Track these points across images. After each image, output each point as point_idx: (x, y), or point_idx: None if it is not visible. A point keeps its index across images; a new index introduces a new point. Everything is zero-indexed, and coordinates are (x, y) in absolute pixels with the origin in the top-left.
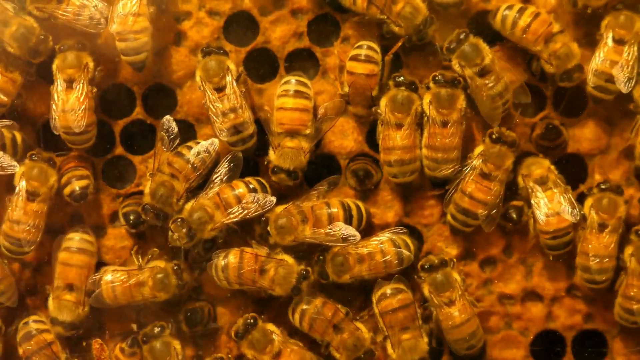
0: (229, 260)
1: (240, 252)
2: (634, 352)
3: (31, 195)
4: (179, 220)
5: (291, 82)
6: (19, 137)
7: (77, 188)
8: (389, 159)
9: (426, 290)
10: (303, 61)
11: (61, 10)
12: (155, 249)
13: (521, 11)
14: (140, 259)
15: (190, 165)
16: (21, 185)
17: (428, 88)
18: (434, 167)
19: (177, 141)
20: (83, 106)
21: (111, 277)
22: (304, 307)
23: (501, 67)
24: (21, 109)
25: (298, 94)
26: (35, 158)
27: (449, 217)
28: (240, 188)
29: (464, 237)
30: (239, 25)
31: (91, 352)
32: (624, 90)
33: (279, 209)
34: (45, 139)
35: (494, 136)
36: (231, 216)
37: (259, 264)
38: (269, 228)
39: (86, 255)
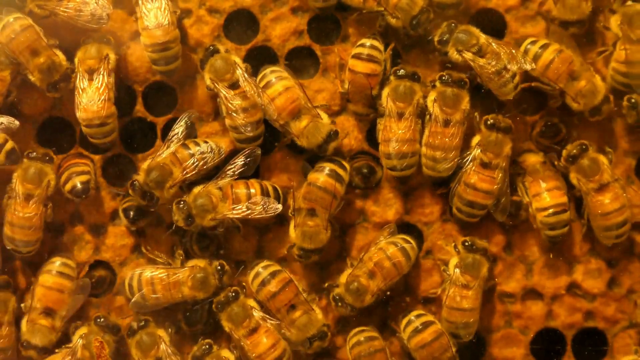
0: (275, 281)
1: (289, 280)
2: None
3: (26, 198)
4: (182, 202)
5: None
6: (9, 145)
7: (78, 183)
8: (388, 151)
9: (453, 263)
10: (303, 59)
11: (62, 7)
12: (180, 252)
13: (544, 47)
14: (161, 257)
15: (192, 160)
16: (17, 188)
17: (434, 86)
18: (432, 166)
19: (192, 137)
20: (103, 97)
21: (150, 275)
22: (361, 340)
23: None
24: (21, 107)
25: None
26: (33, 156)
27: (454, 209)
28: (254, 189)
29: (464, 235)
30: (239, 23)
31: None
32: None
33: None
34: (45, 138)
35: (489, 122)
36: (234, 212)
37: (294, 300)
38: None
39: (66, 280)
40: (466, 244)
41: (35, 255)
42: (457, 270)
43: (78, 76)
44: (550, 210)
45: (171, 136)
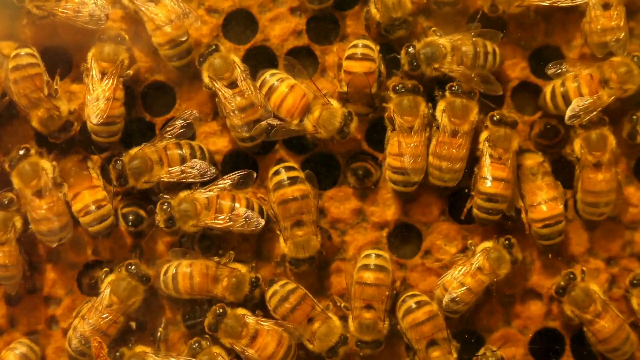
0: (291, 296)
1: (304, 294)
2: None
3: (37, 194)
4: (166, 204)
5: None
6: None
7: (104, 229)
8: (402, 166)
9: (484, 246)
10: (302, 59)
11: (61, 8)
12: (232, 252)
13: (563, 85)
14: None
15: (179, 164)
16: (23, 192)
17: (443, 96)
18: (438, 176)
19: (187, 137)
20: (109, 97)
21: (189, 266)
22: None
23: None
24: (19, 107)
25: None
26: (31, 153)
27: (475, 211)
28: (239, 203)
29: (463, 236)
30: (238, 23)
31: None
32: (621, 54)
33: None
34: (44, 138)
35: (495, 118)
36: (216, 222)
37: (312, 313)
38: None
39: None
40: (506, 242)
41: (34, 255)
42: (482, 255)
43: (91, 74)
44: (545, 222)
45: (166, 131)
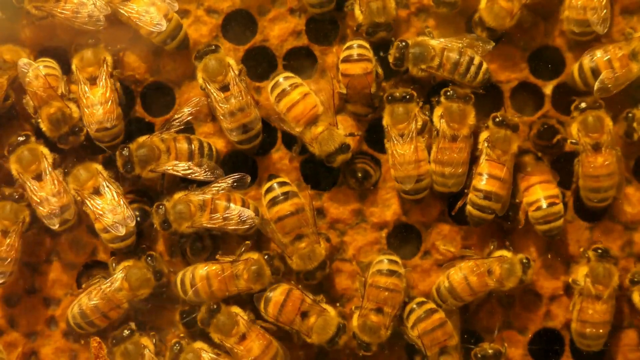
0: (276, 293)
1: (289, 288)
2: (632, 350)
3: (37, 178)
4: (161, 206)
5: None
6: None
7: (124, 246)
8: (400, 175)
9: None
10: (301, 59)
11: (59, 9)
12: (248, 242)
13: (592, 59)
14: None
15: (186, 159)
16: (23, 178)
17: (439, 102)
18: (442, 182)
19: (186, 121)
20: (110, 100)
21: (205, 270)
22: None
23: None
24: (20, 108)
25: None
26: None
27: (468, 208)
28: (235, 203)
29: (462, 236)
30: (238, 24)
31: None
32: (601, 31)
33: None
34: (42, 137)
35: (497, 119)
36: (211, 222)
37: (303, 307)
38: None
39: None
40: (525, 260)
41: (33, 255)
42: (496, 261)
43: (79, 85)
44: (540, 203)
45: (174, 119)
